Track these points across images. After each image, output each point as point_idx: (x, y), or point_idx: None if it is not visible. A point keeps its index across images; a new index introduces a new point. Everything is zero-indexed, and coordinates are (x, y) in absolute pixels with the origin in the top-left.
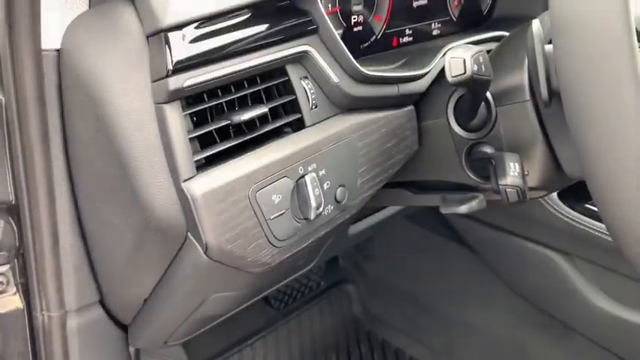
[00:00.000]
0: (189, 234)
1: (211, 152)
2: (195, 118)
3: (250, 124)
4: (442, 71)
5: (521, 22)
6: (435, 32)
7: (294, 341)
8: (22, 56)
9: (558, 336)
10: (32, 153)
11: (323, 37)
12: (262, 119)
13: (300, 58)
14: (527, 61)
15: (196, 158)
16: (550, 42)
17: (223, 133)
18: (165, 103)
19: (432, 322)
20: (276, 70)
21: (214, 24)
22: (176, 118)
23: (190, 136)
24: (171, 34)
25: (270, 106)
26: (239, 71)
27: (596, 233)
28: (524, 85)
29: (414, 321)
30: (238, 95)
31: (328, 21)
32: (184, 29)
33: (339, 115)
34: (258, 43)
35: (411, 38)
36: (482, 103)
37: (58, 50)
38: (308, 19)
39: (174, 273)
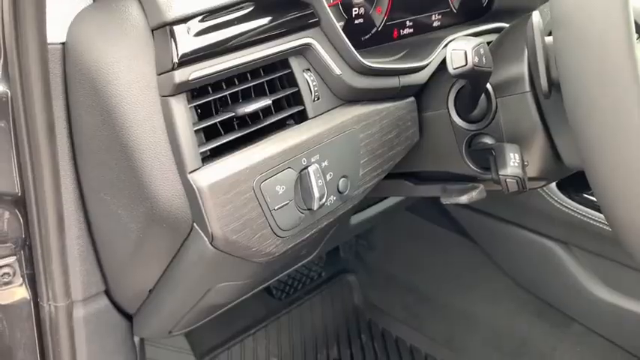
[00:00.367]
0: (195, 224)
1: (216, 144)
2: (199, 111)
3: (254, 116)
4: (443, 63)
5: (520, 13)
6: (435, 24)
7: (295, 331)
8: (28, 49)
9: (557, 324)
10: (38, 145)
11: (325, 30)
12: (266, 111)
13: (303, 51)
14: (527, 52)
15: (202, 150)
16: (550, 34)
17: (228, 125)
18: (171, 95)
19: (433, 312)
20: (279, 62)
21: (219, 17)
22: (182, 110)
23: (196, 128)
24: (176, 28)
25: (273, 99)
26: (243, 64)
27: (595, 223)
28: (524, 76)
29: (414, 311)
30: (242, 87)
31: (330, 13)
32: (189, 22)
33: (341, 106)
34: (262, 36)
35: (411, 30)
36: (483, 95)
37: (63, 43)
38: (310, 11)
39: (180, 263)
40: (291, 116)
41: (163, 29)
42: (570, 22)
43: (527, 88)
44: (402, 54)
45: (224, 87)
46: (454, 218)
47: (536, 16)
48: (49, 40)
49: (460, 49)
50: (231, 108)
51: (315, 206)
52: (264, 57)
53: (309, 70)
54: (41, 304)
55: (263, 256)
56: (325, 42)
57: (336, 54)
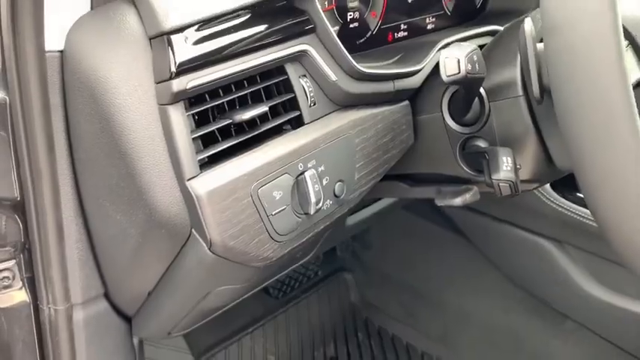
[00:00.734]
0: (193, 230)
1: (214, 151)
2: (197, 117)
3: (251, 122)
4: (436, 66)
5: (514, 15)
6: (429, 26)
7: (292, 329)
8: (26, 57)
9: (551, 322)
10: (37, 151)
11: (321, 36)
12: (262, 117)
13: (299, 57)
14: (519, 57)
15: (200, 157)
16: (541, 40)
17: (225, 131)
18: (169, 104)
19: (428, 309)
20: (276, 68)
21: (215, 25)
22: (179, 118)
23: (193, 136)
24: (173, 37)
25: (270, 105)
26: (240, 71)
27: (587, 221)
28: (516, 80)
29: (410, 308)
30: (239, 95)
31: (326, 20)
32: (186, 31)
33: (337, 111)
34: (259, 44)
35: (405, 33)
36: (476, 98)
37: (61, 51)
38: (306, 18)
39: (179, 267)
40: (287, 121)
41: (161, 38)
42: (560, 31)
43: (520, 92)
44: (396, 58)
45: (221, 94)
46: (448, 216)
47: (528, 24)
48: (47, 48)
49: (453, 57)
50: (229, 115)
51: (312, 211)
52: (261, 64)
53: (305, 75)
54: (41, 307)
55: (261, 261)
56: (321, 48)
57: (332, 60)
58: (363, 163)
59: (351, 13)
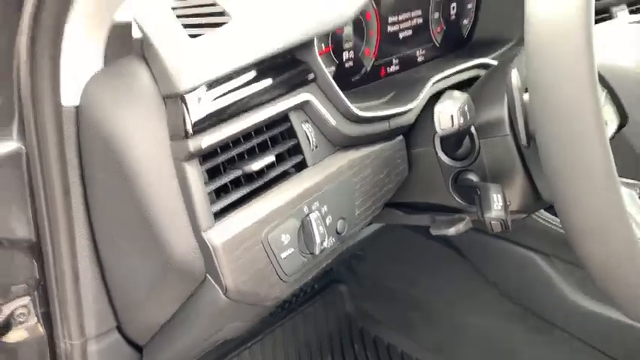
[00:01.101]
0: (208, 276)
1: (227, 202)
2: (208, 169)
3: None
4: (428, 102)
5: (499, 44)
6: (419, 59)
7: (290, 342)
8: (44, 111)
9: (542, 332)
10: (54, 196)
11: (321, 85)
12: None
13: (302, 105)
14: (507, 98)
15: (214, 209)
16: (527, 90)
17: (234, 180)
18: (185, 160)
19: (422, 320)
20: (280, 117)
21: (225, 83)
22: (195, 173)
23: (208, 190)
24: (187, 97)
25: (276, 153)
26: (251, 126)
27: None
28: (504, 120)
29: (404, 318)
30: (248, 147)
31: (325, 70)
32: (198, 90)
33: (337, 152)
34: (266, 97)
35: (397, 67)
36: (474, 136)
37: (76, 107)
38: (307, 69)
39: (193, 307)
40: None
41: (175, 98)
42: (543, 90)
43: (508, 131)
44: (390, 95)
45: (231, 145)
46: None
47: (514, 76)
48: (63, 103)
49: (446, 113)
50: (239, 165)
51: (317, 251)
52: (269, 117)
53: (307, 121)
54: (57, 342)
55: (270, 301)
56: (321, 96)
57: (332, 106)
58: (362, 200)
59: (346, 53)
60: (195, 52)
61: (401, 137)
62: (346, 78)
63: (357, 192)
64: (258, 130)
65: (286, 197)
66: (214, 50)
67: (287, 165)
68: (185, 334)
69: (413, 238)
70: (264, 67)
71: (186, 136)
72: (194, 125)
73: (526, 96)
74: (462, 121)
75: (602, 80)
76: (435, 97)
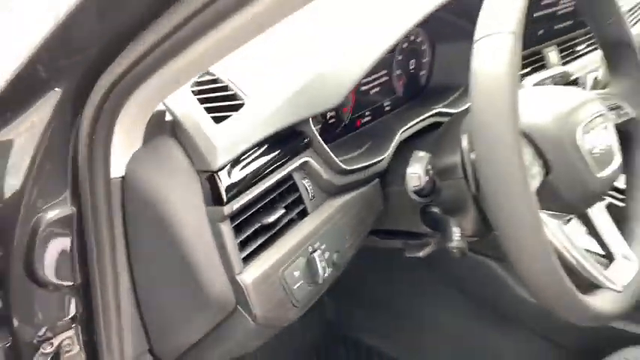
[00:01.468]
0: (238, 307)
1: (251, 249)
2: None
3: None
4: (397, 150)
5: (452, 90)
6: (387, 108)
7: (276, 350)
8: (97, 182)
9: (499, 326)
10: (103, 249)
11: (316, 149)
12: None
13: (302, 165)
14: (460, 148)
15: (242, 256)
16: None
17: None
18: (221, 221)
19: (396, 322)
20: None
21: (245, 155)
22: (228, 231)
23: (237, 241)
24: (220, 172)
25: (284, 205)
26: (267, 187)
27: None
28: (458, 167)
29: (381, 322)
30: (264, 203)
31: (319, 137)
32: (228, 166)
33: (328, 200)
34: (277, 163)
35: (370, 117)
36: (435, 179)
37: (122, 177)
38: (304, 137)
39: (223, 332)
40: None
41: (209, 172)
42: (483, 156)
43: (461, 175)
44: (366, 146)
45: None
46: None
47: (464, 140)
48: (112, 175)
49: (414, 175)
50: (258, 219)
51: (320, 281)
52: (280, 178)
53: (305, 177)
54: None
55: (286, 322)
56: (316, 156)
57: (324, 163)
58: (351, 234)
59: (330, 113)
60: (222, 135)
61: (377, 180)
62: (329, 132)
63: (346, 229)
64: (270, 189)
65: (294, 240)
66: (237, 132)
67: (292, 214)
68: (211, 354)
69: (385, 249)
70: (273, 139)
71: (222, 203)
72: (226, 193)
73: (473, 155)
74: (427, 179)
75: (528, 137)
76: (403, 142)
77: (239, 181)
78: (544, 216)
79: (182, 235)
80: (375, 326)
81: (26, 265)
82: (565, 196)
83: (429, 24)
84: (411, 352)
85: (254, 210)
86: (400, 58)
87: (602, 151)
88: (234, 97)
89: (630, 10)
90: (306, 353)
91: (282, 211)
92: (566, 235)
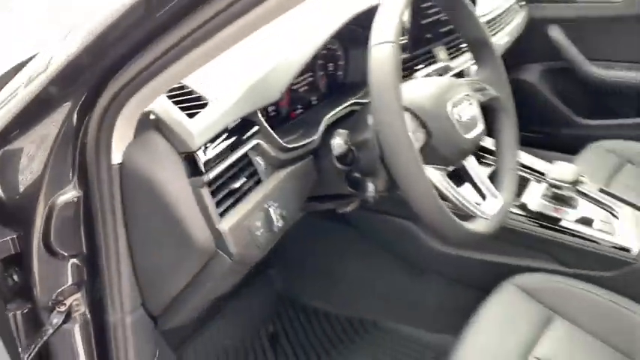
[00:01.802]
0: (218, 250)
1: (225, 207)
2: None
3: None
4: (325, 132)
5: (363, 84)
6: (314, 102)
7: (238, 317)
8: (102, 168)
9: (418, 276)
10: (107, 222)
11: (264, 133)
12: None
13: (255, 146)
14: (370, 127)
15: (219, 212)
16: None
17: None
18: (201, 187)
19: (334, 284)
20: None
21: (215, 140)
22: (207, 194)
23: (214, 202)
24: (198, 152)
25: (244, 176)
26: (231, 163)
27: None
28: (369, 140)
29: (322, 286)
30: (233, 172)
31: (266, 125)
32: (202, 147)
33: (276, 171)
34: (237, 145)
35: (301, 110)
36: (352, 149)
37: (120, 164)
38: (255, 125)
39: (205, 275)
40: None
41: (190, 153)
42: (379, 124)
43: (372, 146)
44: (300, 132)
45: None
46: (342, 214)
47: (370, 119)
48: (112, 162)
49: (338, 143)
50: (227, 185)
51: (275, 229)
52: (239, 156)
53: (258, 155)
54: (104, 318)
55: (253, 260)
56: (265, 139)
57: (271, 144)
58: (294, 197)
59: (272, 108)
60: (196, 126)
61: (311, 156)
62: (272, 122)
63: (290, 192)
64: (231, 164)
65: (254, 200)
66: (207, 122)
67: (251, 182)
68: (195, 296)
69: (320, 222)
70: (233, 128)
71: (201, 174)
72: (204, 166)
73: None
74: (347, 147)
75: (412, 112)
76: (330, 127)
77: (212, 158)
78: (431, 169)
79: (172, 201)
80: (317, 290)
81: (44, 241)
82: (444, 153)
83: (342, 35)
84: (349, 308)
85: (224, 179)
86: (321, 62)
87: (467, 119)
88: (199, 98)
89: (488, 22)
90: (261, 321)
91: (244, 179)
92: (447, 182)
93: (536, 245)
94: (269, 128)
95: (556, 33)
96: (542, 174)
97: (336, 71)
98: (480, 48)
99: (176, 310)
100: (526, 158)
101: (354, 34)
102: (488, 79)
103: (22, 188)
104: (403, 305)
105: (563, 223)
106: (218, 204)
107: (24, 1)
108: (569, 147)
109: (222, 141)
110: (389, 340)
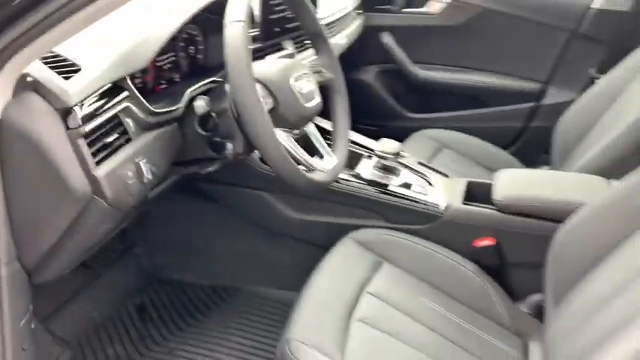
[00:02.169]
0: (94, 196)
1: (100, 157)
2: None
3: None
4: (189, 104)
5: (221, 66)
6: (176, 79)
7: (106, 292)
8: None
9: (272, 239)
10: None
11: (133, 97)
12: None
13: (125, 108)
14: (227, 96)
15: (95, 160)
16: None
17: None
18: (78, 138)
19: (198, 256)
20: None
21: (89, 99)
22: (84, 144)
23: (91, 151)
24: (75, 108)
25: (117, 133)
26: (104, 120)
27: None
28: (227, 109)
29: (186, 259)
30: (105, 130)
31: (134, 89)
32: (78, 104)
33: (145, 132)
34: (109, 105)
35: (166, 85)
36: (214, 117)
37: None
38: (125, 90)
39: (82, 221)
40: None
41: (68, 109)
42: (235, 90)
43: (229, 113)
44: (166, 101)
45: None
46: (201, 190)
47: (227, 88)
48: None
49: (199, 105)
50: (102, 140)
51: (145, 180)
52: (111, 116)
53: (128, 117)
54: None
55: (126, 206)
56: (134, 103)
57: (139, 107)
58: (161, 156)
59: (139, 80)
60: (71, 86)
61: (175, 124)
62: (139, 92)
63: (157, 151)
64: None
65: (126, 154)
66: (81, 84)
67: (122, 140)
68: (70, 245)
69: (181, 199)
70: (106, 90)
71: (78, 126)
72: (82, 120)
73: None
74: (206, 109)
75: (262, 83)
76: (192, 99)
77: (87, 114)
78: (280, 131)
79: (49, 152)
80: (183, 264)
81: None
82: (289, 119)
83: (201, 21)
84: (214, 278)
85: (98, 134)
86: (182, 45)
87: (307, 92)
88: (73, 65)
89: (328, 24)
90: (128, 295)
91: (116, 135)
92: (293, 142)
93: (369, 206)
94: (137, 93)
95: (387, 39)
96: (372, 150)
97: (196, 54)
98: (317, 40)
99: (50, 262)
100: (359, 138)
101: (212, 21)
102: (324, 65)
103: None
104: (262, 269)
105: (389, 188)
106: (94, 155)
107: None
108: (398, 137)
109: (96, 101)
110: (249, 302)
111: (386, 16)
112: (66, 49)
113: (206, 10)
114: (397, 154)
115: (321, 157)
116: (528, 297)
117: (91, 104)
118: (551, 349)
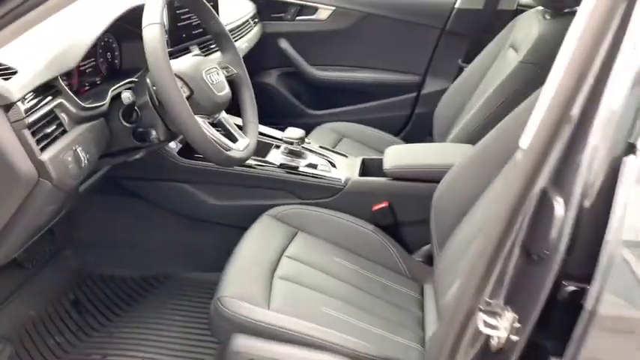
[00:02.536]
0: (40, 178)
1: (44, 144)
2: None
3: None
4: (112, 100)
5: (137, 69)
6: (98, 82)
7: (41, 292)
8: None
9: (199, 227)
10: None
11: (65, 95)
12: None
13: (59, 104)
14: (148, 90)
15: (40, 147)
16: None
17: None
18: (23, 129)
19: (126, 250)
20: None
21: (28, 96)
22: (29, 134)
23: (35, 140)
24: (18, 103)
25: (54, 125)
26: (43, 114)
27: (200, 167)
28: (148, 101)
29: (115, 255)
30: (45, 121)
31: (66, 88)
32: (20, 100)
33: (78, 125)
34: (46, 101)
35: (88, 87)
36: (137, 110)
37: None
38: (58, 88)
39: (29, 203)
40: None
41: (12, 104)
42: (156, 83)
43: (151, 105)
44: (92, 99)
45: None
46: (125, 187)
47: (149, 80)
48: None
49: (126, 96)
50: (43, 130)
51: (83, 165)
52: (47, 111)
53: (63, 112)
54: None
55: (69, 187)
56: (66, 100)
57: (70, 103)
58: (93, 145)
59: (66, 82)
60: (12, 85)
61: (102, 119)
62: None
63: (89, 142)
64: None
65: (64, 143)
66: (20, 84)
67: (58, 131)
68: (18, 227)
69: (106, 199)
70: (41, 88)
71: (22, 118)
72: (25, 113)
73: (154, 88)
74: (130, 99)
75: (179, 77)
76: (114, 98)
77: (28, 107)
78: (198, 118)
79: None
80: (113, 261)
81: None
82: (205, 106)
83: (114, 30)
84: (144, 269)
85: (39, 126)
86: (101, 51)
87: (217, 83)
88: (9, 69)
89: (236, 28)
90: (62, 292)
91: (54, 127)
92: (209, 127)
93: (281, 186)
94: (68, 90)
95: (285, 44)
96: (280, 139)
97: (113, 59)
98: (222, 39)
99: (2, 243)
100: (266, 129)
101: (125, 30)
102: (230, 62)
103: None
104: (189, 255)
105: (299, 169)
106: (38, 143)
107: None
108: None
109: (34, 97)
110: (180, 286)
111: (281, 23)
112: (1, 56)
113: (120, 20)
114: (302, 139)
115: (235, 140)
116: (421, 248)
117: (30, 100)
118: (438, 286)
